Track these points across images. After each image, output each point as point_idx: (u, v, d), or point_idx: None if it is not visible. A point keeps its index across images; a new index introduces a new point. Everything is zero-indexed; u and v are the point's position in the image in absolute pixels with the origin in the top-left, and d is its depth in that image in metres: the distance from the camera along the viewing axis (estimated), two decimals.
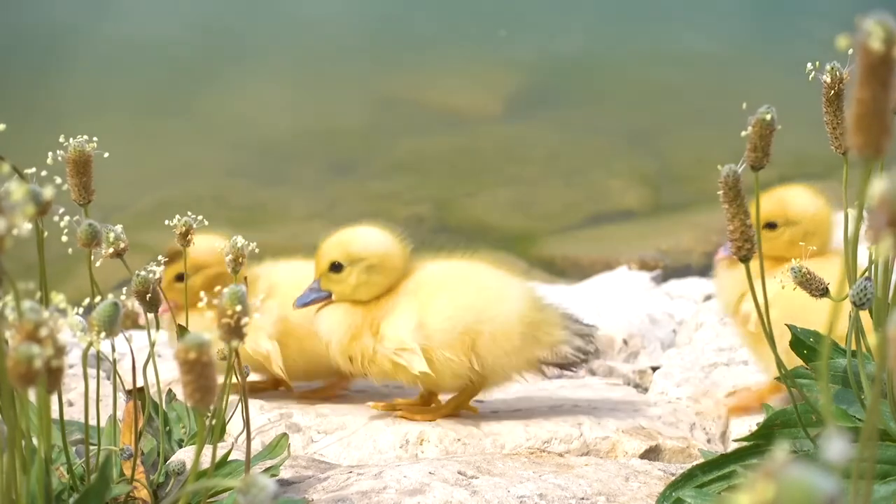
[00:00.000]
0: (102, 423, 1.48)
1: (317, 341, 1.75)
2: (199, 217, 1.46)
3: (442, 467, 1.43)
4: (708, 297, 2.54)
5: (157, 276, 1.38)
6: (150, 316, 1.40)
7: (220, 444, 1.57)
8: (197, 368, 0.90)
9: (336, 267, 1.68)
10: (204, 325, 1.63)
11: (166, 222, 1.47)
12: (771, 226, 1.74)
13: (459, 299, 1.68)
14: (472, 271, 1.73)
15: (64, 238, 1.27)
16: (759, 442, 1.31)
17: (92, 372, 1.30)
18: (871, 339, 1.32)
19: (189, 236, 1.46)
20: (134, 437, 1.45)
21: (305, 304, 1.71)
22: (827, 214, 1.77)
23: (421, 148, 4.57)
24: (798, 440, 1.31)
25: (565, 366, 1.71)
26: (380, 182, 4.25)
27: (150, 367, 1.41)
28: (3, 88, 5.05)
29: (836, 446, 0.61)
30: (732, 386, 1.92)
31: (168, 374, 1.88)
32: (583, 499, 1.37)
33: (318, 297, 1.71)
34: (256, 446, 1.59)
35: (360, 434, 1.68)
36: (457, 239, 3.81)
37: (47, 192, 1.04)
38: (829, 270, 1.64)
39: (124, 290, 1.39)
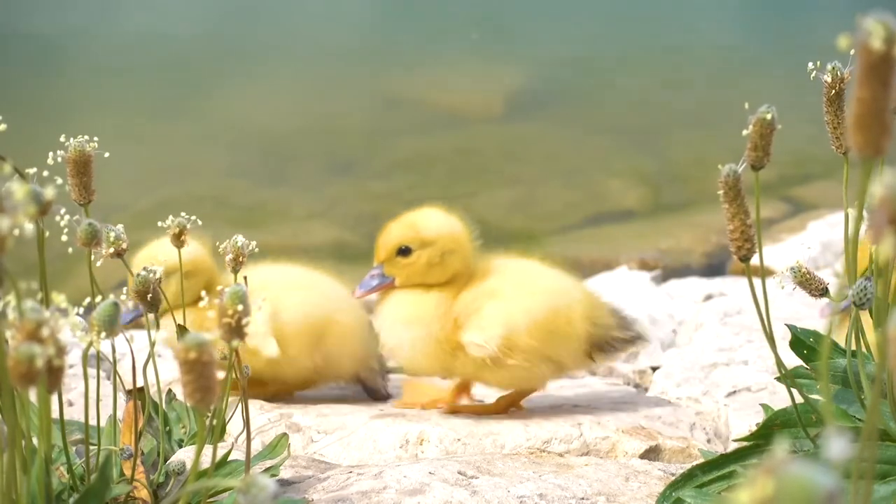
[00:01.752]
0: (102, 423, 1.48)
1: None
2: (193, 217, 1.46)
3: (442, 467, 1.43)
4: (708, 297, 2.54)
5: (157, 275, 1.38)
6: (150, 316, 1.40)
7: (220, 444, 1.57)
8: (197, 368, 0.90)
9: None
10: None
11: (159, 223, 1.47)
12: (405, 251, 1.69)
13: (308, 307, 1.80)
14: (313, 280, 1.85)
15: (64, 238, 1.27)
16: (759, 442, 1.31)
17: (92, 372, 1.30)
18: (871, 338, 1.32)
19: (182, 237, 1.46)
20: (134, 437, 1.45)
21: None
22: (463, 233, 1.73)
23: (421, 148, 4.57)
24: (798, 440, 1.31)
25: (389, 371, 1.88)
26: (380, 182, 4.25)
27: (150, 367, 1.41)
28: (4, 88, 5.05)
29: (836, 446, 0.61)
30: (732, 386, 1.92)
31: (168, 374, 1.88)
32: (583, 499, 1.37)
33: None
34: (256, 446, 1.59)
35: (360, 434, 1.68)
36: None
37: (48, 192, 1.04)
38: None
39: (124, 289, 1.39)
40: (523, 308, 1.68)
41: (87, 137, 1.35)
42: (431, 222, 1.71)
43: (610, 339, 1.73)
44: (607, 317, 1.75)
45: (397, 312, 1.70)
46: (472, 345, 1.66)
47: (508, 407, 1.78)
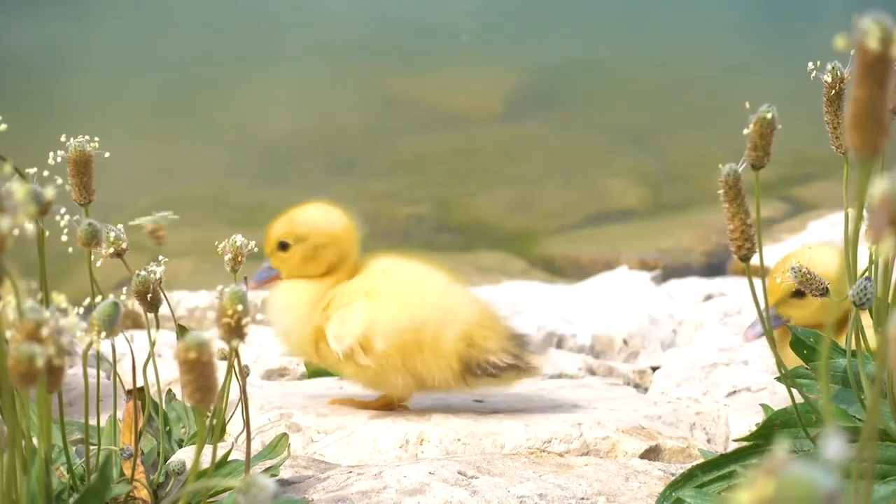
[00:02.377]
0: (102, 423, 1.48)
1: None
2: (169, 212, 1.45)
3: (442, 467, 1.43)
4: (708, 297, 2.54)
5: (158, 275, 1.38)
6: (150, 316, 1.40)
7: (220, 444, 1.57)
8: (197, 368, 0.90)
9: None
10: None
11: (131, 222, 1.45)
12: (284, 246, 1.75)
13: None
14: None
15: (64, 238, 1.27)
16: (759, 442, 1.31)
17: (92, 372, 1.30)
18: (872, 338, 1.32)
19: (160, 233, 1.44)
20: (134, 437, 1.45)
21: None
22: (341, 228, 1.74)
23: (421, 148, 4.57)
24: (798, 440, 1.31)
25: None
26: (380, 181, 4.25)
27: (150, 367, 1.41)
28: (5, 88, 5.05)
29: (836, 446, 0.61)
30: (732, 386, 1.92)
31: (168, 374, 1.88)
32: (583, 499, 1.37)
33: None
34: (256, 446, 1.59)
35: (360, 434, 1.69)
36: (457, 238, 3.81)
37: (48, 192, 1.04)
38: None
39: (124, 289, 1.39)
40: (388, 314, 1.69)
41: (87, 137, 1.35)
42: (306, 218, 1.76)
43: (485, 362, 1.68)
44: (493, 339, 1.69)
45: (277, 299, 1.77)
46: (332, 336, 1.70)
47: (384, 406, 1.78)
